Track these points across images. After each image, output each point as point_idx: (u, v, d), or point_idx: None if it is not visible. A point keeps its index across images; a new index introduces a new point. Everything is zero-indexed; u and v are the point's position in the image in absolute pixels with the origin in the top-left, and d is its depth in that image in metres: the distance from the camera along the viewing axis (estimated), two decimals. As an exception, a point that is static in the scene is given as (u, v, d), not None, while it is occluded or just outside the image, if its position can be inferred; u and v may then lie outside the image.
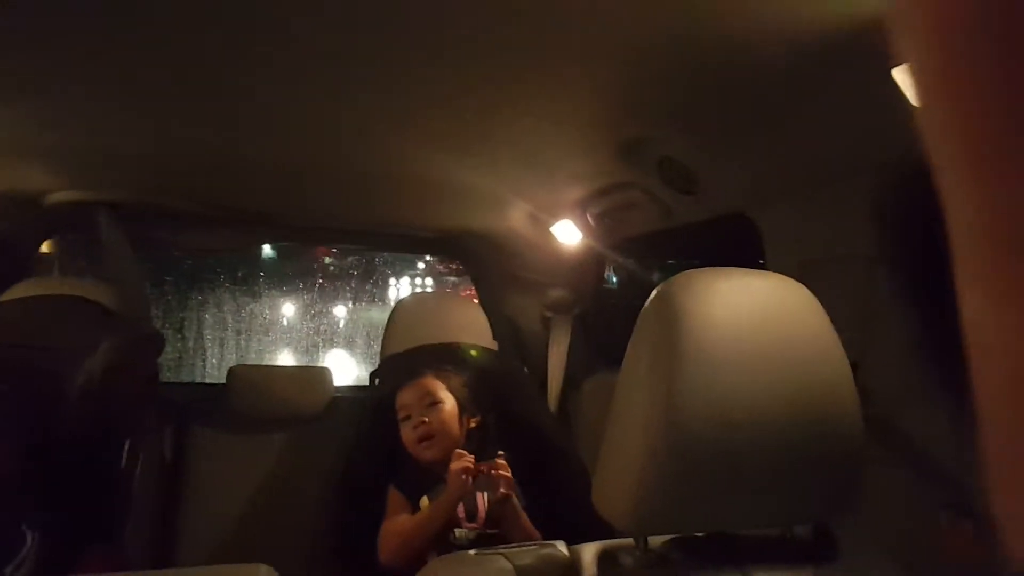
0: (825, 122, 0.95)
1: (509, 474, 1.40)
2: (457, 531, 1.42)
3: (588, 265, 2.00)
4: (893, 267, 1.00)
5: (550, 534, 1.01)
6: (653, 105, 1.13)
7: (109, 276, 1.80)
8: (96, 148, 1.51)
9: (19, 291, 1.67)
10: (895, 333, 1.02)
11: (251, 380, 2.02)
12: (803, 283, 0.78)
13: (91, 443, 1.38)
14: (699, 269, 0.73)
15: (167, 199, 1.89)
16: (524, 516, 1.46)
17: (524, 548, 0.76)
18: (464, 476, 1.38)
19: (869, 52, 0.79)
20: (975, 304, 0.22)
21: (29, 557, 1.23)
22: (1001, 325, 0.21)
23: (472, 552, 0.76)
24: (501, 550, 0.75)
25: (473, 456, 1.41)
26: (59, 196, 1.76)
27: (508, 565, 0.71)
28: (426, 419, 1.53)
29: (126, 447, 1.53)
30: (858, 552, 0.83)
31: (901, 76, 0.77)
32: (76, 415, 1.34)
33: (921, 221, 0.97)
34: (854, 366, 1.02)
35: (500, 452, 1.44)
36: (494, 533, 1.43)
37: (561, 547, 0.77)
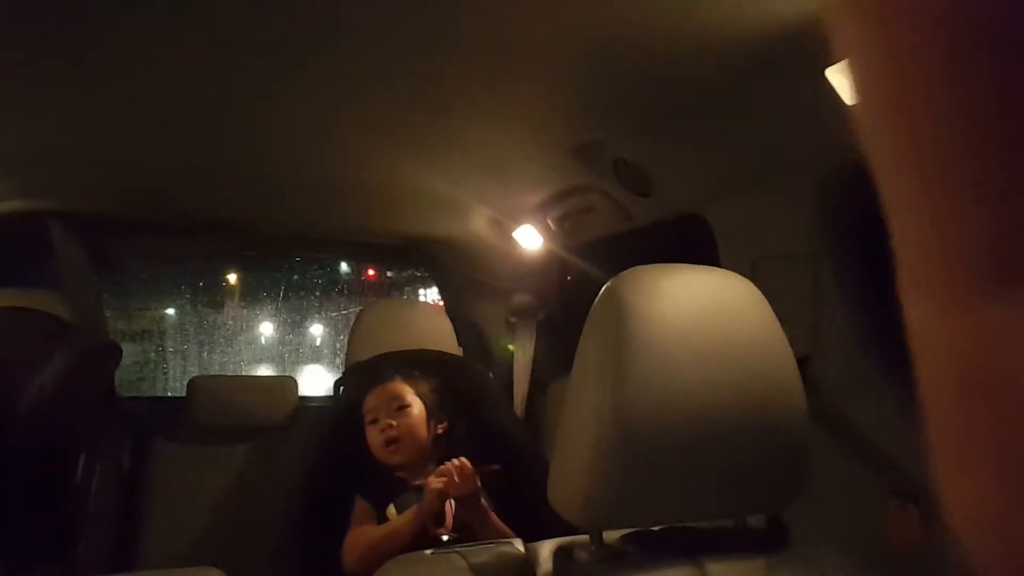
0: (767, 122, 0.98)
1: (467, 466, 1.39)
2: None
3: (551, 270, 2.02)
4: (839, 263, 1.03)
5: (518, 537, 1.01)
6: (605, 109, 1.15)
7: (64, 287, 1.77)
8: (48, 156, 1.48)
9: (-31, 304, 1.63)
10: (843, 327, 1.05)
11: (212, 391, 1.99)
12: (754, 280, 0.79)
13: (44, 456, 1.35)
14: (646, 266, 0.75)
15: (123, 208, 1.86)
16: (493, 516, 1.45)
17: (480, 546, 0.76)
18: (441, 497, 1.38)
19: (803, 53, 0.83)
20: (920, 310, 0.21)
21: None
22: (948, 331, 0.21)
23: (428, 551, 0.76)
24: (457, 549, 0.75)
25: (449, 476, 1.39)
26: (10, 205, 1.72)
27: (463, 563, 0.71)
28: (393, 423, 1.53)
29: (81, 460, 1.50)
30: (809, 541, 0.84)
31: (835, 76, 0.80)
32: (28, 427, 1.31)
33: (864, 217, 1.01)
34: (804, 360, 1.05)
35: (455, 459, 1.43)
36: (462, 538, 1.43)
37: (517, 544, 0.77)
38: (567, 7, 0.85)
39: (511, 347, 2.18)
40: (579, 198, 1.54)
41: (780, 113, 0.95)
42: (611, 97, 1.12)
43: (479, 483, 1.40)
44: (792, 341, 0.77)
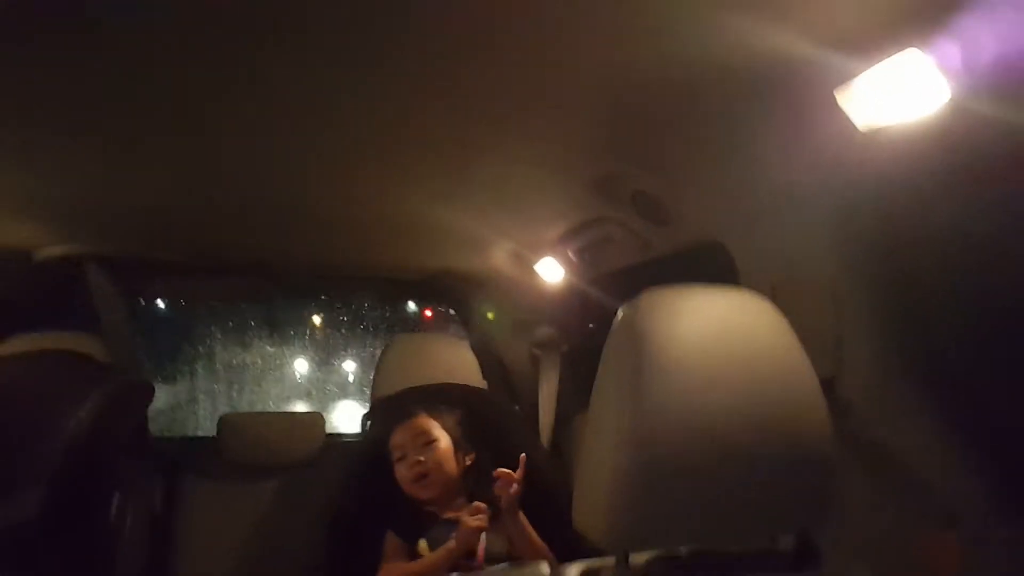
0: (781, 147, 1.00)
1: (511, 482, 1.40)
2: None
3: (573, 302, 2.03)
4: (861, 284, 1.03)
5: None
6: (622, 141, 1.17)
7: (99, 328, 1.82)
8: (83, 203, 1.55)
9: (9, 348, 1.69)
10: (869, 348, 1.04)
11: (242, 427, 2.02)
12: (776, 304, 0.80)
13: (79, 496, 1.37)
14: (661, 288, 0.76)
15: (156, 251, 1.92)
16: (532, 534, 1.45)
17: (505, 569, 0.76)
18: (478, 533, 1.38)
19: (812, 77, 0.85)
20: None
21: None
22: None
23: (454, 574, 0.76)
24: (481, 572, 0.75)
25: (487, 514, 1.39)
26: (48, 251, 1.79)
27: None
28: (421, 458, 1.53)
29: (115, 499, 1.53)
30: (842, 564, 0.83)
31: (844, 98, 0.82)
32: (64, 467, 1.34)
33: (886, 238, 1.01)
34: (831, 381, 1.05)
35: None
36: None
37: (543, 567, 0.78)
38: (582, 45, 0.88)
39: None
40: (598, 230, 1.56)
41: (793, 138, 0.97)
42: (628, 130, 1.14)
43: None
44: (817, 362, 0.77)
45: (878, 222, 0.98)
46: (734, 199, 1.17)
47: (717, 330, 0.73)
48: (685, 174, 1.21)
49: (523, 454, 1.44)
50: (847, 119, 0.84)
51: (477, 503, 1.40)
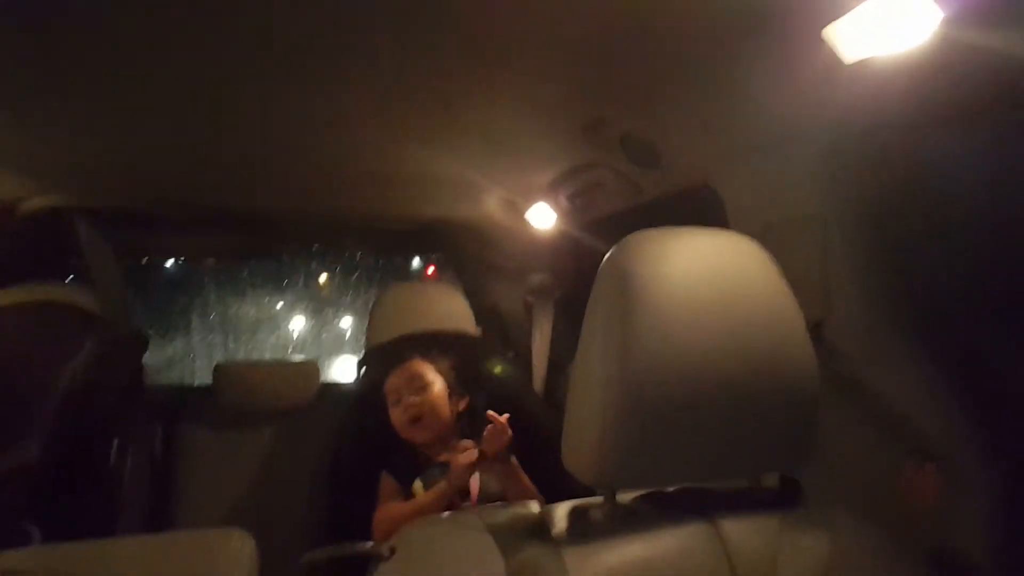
0: (768, 86, 0.98)
1: (505, 433, 1.42)
2: None
3: (566, 249, 2.02)
4: (850, 225, 1.03)
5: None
6: (608, 84, 1.15)
7: (90, 280, 1.82)
8: (71, 154, 1.52)
9: (1, 299, 1.68)
10: (856, 290, 1.05)
11: (238, 376, 2.04)
12: (765, 246, 0.80)
13: (78, 442, 1.40)
14: (648, 230, 0.76)
15: (146, 203, 1.91)
16: (523, 476, 1.48)
17: (496, 507, 0.78)
18: (469, 471, 1.41)
19: (799, 12, 0.82)
20: None
21: None
22: None
23: (445, 514, 0.78)
24: (473, 510, 0.77)
25: (478, 451, 1.42)
26: (36, 203, 1.77)
27: (479, 523, 0.73)
28: (416, 399, 1.56)
29: (114, 446, 1.55)
30: (824, 501, 0.85)
31: (832, 34, 0.80)
32: (62, 415, 1.35)
33: (874, 178, 1.00)
34: (819, 323, 1.06)
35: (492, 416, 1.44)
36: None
37: (533, 505, 0.79)
38: None
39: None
40: (589, 175, 1.55)
41: (781, 76, 0.95)
42: (613, 72, 1.12)
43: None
44: (805, 304, 0.78)
45: (867, 159, 0.98)
46: (723, 140, 1.16)
47: (703, 271, 0.73)
48: (673, 116, 1.19)
49: (494, 412, 1.45)
50: (836, 54, 0.82)
51: (465, 441, 1.43)
